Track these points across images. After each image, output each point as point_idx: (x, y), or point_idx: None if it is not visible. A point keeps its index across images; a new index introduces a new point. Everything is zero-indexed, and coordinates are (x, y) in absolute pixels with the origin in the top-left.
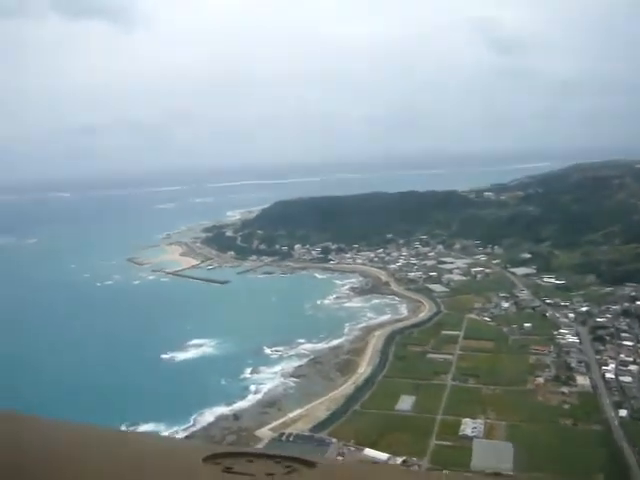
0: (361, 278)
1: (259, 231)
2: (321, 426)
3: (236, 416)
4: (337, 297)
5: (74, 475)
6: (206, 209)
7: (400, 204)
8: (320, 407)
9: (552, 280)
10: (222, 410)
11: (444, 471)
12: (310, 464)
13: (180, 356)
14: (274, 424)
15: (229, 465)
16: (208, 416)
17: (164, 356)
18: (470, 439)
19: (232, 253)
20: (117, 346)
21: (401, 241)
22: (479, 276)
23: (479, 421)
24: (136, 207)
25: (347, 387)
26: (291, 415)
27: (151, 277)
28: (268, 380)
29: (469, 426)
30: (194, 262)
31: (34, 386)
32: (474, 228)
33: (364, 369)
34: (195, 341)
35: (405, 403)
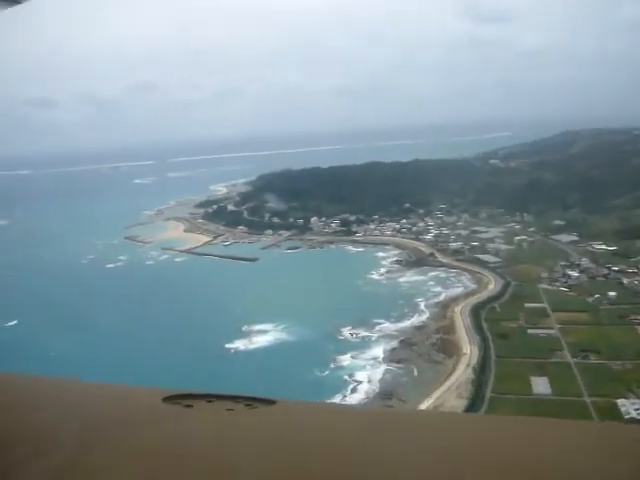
0: (399, 250)
1: (268, 204)
2: None
3: None
4: (387, 271)
5: (25, 426)
6: (186, 184)
7: (406, 173)
8: (449, 395)
9: (603, 247)
10: None
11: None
12: (269, 402)
13: (248, 345)
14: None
15: (189, 404)
16: None
17: (229, 345)
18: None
19: (243, 228)
20: (169, 337)
21: (421, 211)
22: (524, 245)
23: (636, 400)
24: (110, 183)
25: (463, 370)
26: (422, 407)
27: (163, 257)
28: (367, 367)
29: (629, 407)
30: (205, 239)
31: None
32: (494, 196)
33: (469, 349)
34: (257, 327)
35: (540, 386)
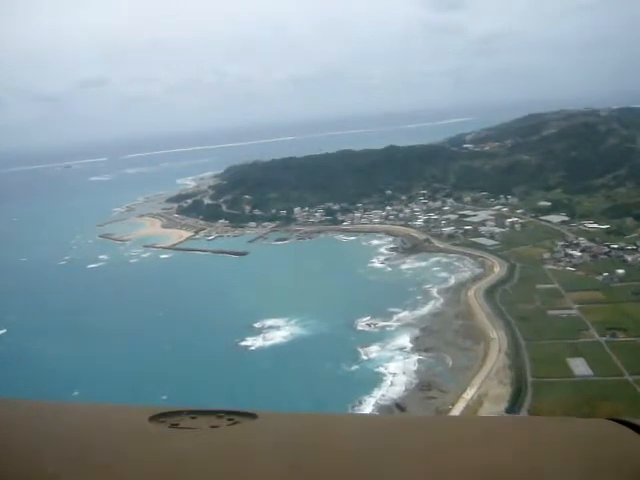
0: (391, 237)
1: (246, 196)
2: (513, 404)
3: (400, 407)
4: (386, 259)
5: (2, 450)
6: (148, 179)
7: (381, 160)
8: (490, 382)
9: (595, 225)
10: (376, 403)
11: None
12: (252, 416)
13: (263, 341)
14: (456, 412)
15: (175, 422)
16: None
17: (243, 343)
18: None
19: (224, 221)
20: (179, 339)
21: (403, 197)
22: (517, 227)
23: None
24: (65, 181)
25: (496, 355)
26: (467, 397)
27: (146, 254)
28: (396, 358)
29: None
30: (186, 234)
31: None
32: (474, 180)
33: (495, 334)
34: (268, 322)
35: (579, 367)
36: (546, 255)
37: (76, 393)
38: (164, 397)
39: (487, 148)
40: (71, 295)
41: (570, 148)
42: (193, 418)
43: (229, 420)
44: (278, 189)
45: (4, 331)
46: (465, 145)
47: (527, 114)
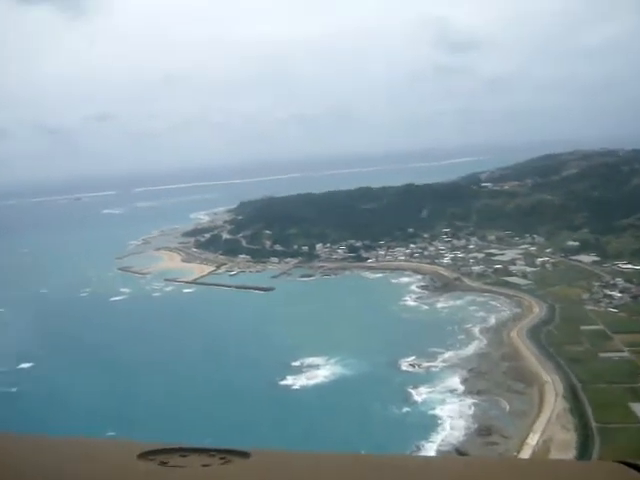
0: (419, 275)
1: (266, 231)
2: (583, 451)
3: (462, 453)
4: (418, 297)
5: None
6: (160, 213)
7: (399, 198)
8: (553, 427)
9: (629, 266)
10: (434, 449)
11: None
12: (244, 454)
13: (305, 380)
14: (519, 456)
15: (164, 460)
16: None
17: (284, 382)
18: None
19: (245, 256)
20: (213, 374)
21: (426, 235)
22: (548, 266)
23: None
24: (79, 213)
25: (554, 399)
26: (531, 442)
27: (168, 288)
28: (449, 401)
29: None
30: (207, 268)
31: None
32: (497, 218)
33: (548, 377)
34: (307, 360)
35: None
36: (585, 296)
37: (112, 433)
38: (208, 440)
39: (507, 187)
40: (98, 328)
41: (592, 188)
42: (184, 456)
43: (221, 459)
44: (298, 225)
45: (31, 364)
46: (484, 184)
47: (542, 154)
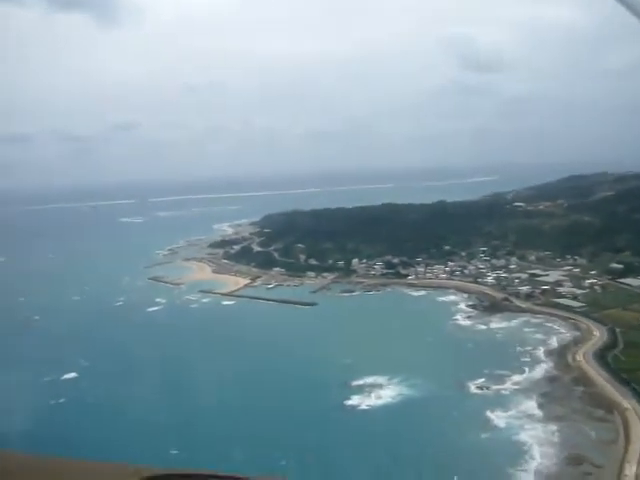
0: (465, 294)
1: (299, 245)
2: None
3: None
4: (468, 316)
5: None
6: (183, 223)
7: (432, 215)
8: None
9: None
10: None
11: None
12: None
13: (373, 400)
14: None
15: None
16: None
17: (350, 402)
18: None
19: (279, 269)
20: (274, 392)
21: (463, 253)
22: (597, 288)
23: None
24: (97, 220)
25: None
26: (629, 474)
27: (205, 300)
28: (528, 427)
29: None
30: (242, 280)
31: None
32: (535, 238)
33: (625, 403)
34: (367, 380)
35: None
36: None
37: (175, 452)
38: (283, 463)
39: (541, 207)
40: (142, 340)
41: (632, 210)
42: None
43: None
44: (331, 239)
45: (74, 375)
46: (517, 203)
47: (568, 175)
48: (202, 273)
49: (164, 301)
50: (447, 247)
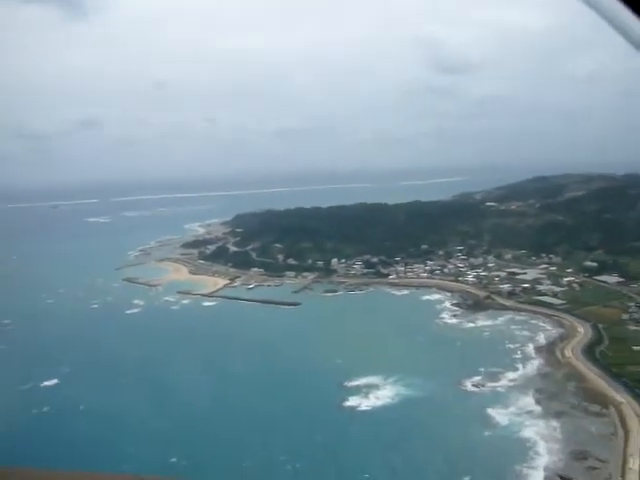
0: (448, 293)
1: (277, 244)
2: None
3: (566, 479)
4: (454, 315)
5: None
6: (152, 223)
7: (407, 215)
8: None
9: None
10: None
11: None
12: None
13: (371, 403)
14: None
15: None
16: None
17: (348, 403)
18: None
19: (257, 269)
20: (270, 394)
21: (440, 252)
22: (575, 286)
23: None
24: (60, 220)
25: (637, 420)
26: (634, 467)
27: (185, 301)
28: (528, 423)
29: None
30: (222, 281)
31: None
32: (510, 238)
33: (619, 397)
34: (362, 380)
35: None
36: (624, 316)
37: (174, 459)
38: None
39: (513, 207)
40: (125, 343)
41: (602, 210)
42: None
43: None
44: (309, 239)
45: (55, 382)
46: (489, 203)
47: (532, 176)
48: (178, 274)
49: (142, 303)
50: (425, 246)
